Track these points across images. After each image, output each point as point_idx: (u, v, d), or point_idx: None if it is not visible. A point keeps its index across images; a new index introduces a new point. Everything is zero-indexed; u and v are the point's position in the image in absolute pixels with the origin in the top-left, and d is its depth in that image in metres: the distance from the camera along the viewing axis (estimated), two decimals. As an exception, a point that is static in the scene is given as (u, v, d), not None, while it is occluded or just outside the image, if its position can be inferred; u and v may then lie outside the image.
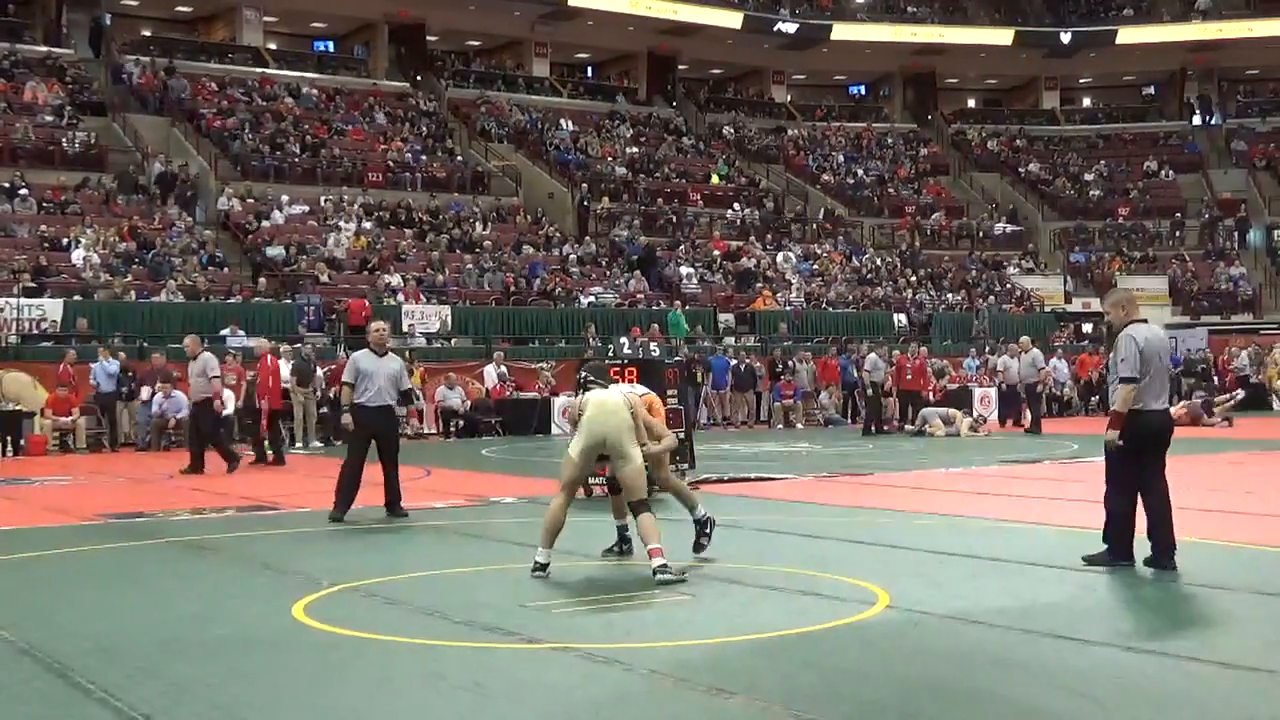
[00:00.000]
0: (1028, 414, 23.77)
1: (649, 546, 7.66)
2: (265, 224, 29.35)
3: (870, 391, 24.08)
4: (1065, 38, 47.16)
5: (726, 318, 30.69)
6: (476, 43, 45.05)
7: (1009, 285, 38.19)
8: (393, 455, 11.22)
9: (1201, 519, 9.55)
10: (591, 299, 29.37)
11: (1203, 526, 8.94)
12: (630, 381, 10.28)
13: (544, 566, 7.82)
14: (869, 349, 25.93)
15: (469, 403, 23.40)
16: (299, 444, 20.67)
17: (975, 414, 24.34)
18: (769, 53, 46.94)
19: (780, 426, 25.30)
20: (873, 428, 23.18)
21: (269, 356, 17.96)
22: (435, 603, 7.09)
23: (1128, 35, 46.92)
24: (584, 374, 8.61)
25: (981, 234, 41.86)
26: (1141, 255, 41.24)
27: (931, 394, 24.42)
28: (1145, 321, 8.11)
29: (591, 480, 11.50)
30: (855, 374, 26.72)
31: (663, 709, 5.03)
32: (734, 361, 26.11)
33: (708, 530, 8.43)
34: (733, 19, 44.08)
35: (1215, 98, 49.53)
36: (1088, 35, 47.08)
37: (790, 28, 45.08)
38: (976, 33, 48.05)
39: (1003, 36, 47.55)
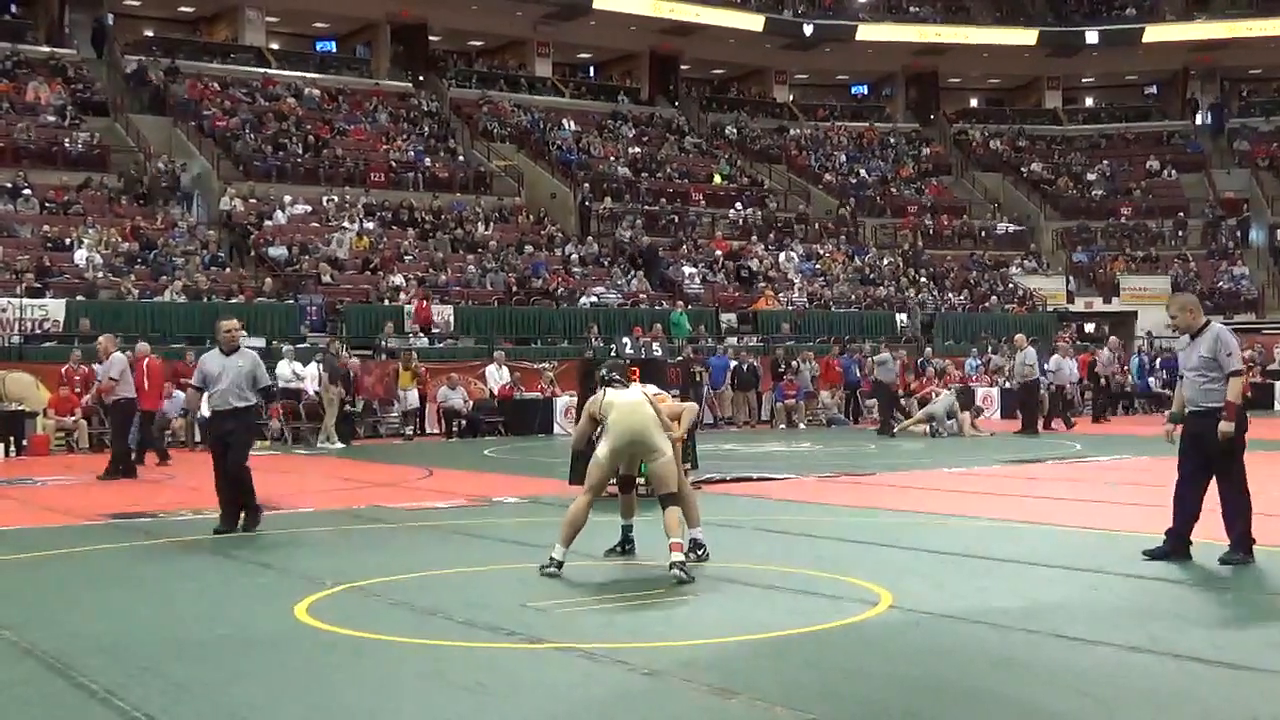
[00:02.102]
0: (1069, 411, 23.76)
1: (671, 540, 7.65)
2: (268, 224, 29.36)
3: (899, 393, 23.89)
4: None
5: (729, 317, 30.67)
6: (479, 43, 45.03)
7: (1011, 285, 38.16)
8: (235, 460, 10.23)
9: (1203, 518, 9.53)
10: (594, 299, 29.35)
11: (1204, 525, 8.92)
12: (633, 380, 10.23)
13: (558, 564, 7.80)
14: (881, 348, 25.83)
15: (471, 403, 23.40)
16: (323, 441, 20.74)
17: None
18: (771, 53, 46.83)
19: (782, 426, 25.28)
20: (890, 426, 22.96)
21: (146, 360, 17.55)
22: (437, 603, 7.09)
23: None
24: (605, 370, 8.52)
25: (984, 234, 41.85)
26: (1144, 255, 41.17)
27: (932, 394, 24.39)
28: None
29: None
30: (858, 374, 26.68)
31: (664, 709, 5.03)
32: (735, 362, 26.08)
33: (698, 553, 8.27)
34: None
35: (1218, 97, 49.48)
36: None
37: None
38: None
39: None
